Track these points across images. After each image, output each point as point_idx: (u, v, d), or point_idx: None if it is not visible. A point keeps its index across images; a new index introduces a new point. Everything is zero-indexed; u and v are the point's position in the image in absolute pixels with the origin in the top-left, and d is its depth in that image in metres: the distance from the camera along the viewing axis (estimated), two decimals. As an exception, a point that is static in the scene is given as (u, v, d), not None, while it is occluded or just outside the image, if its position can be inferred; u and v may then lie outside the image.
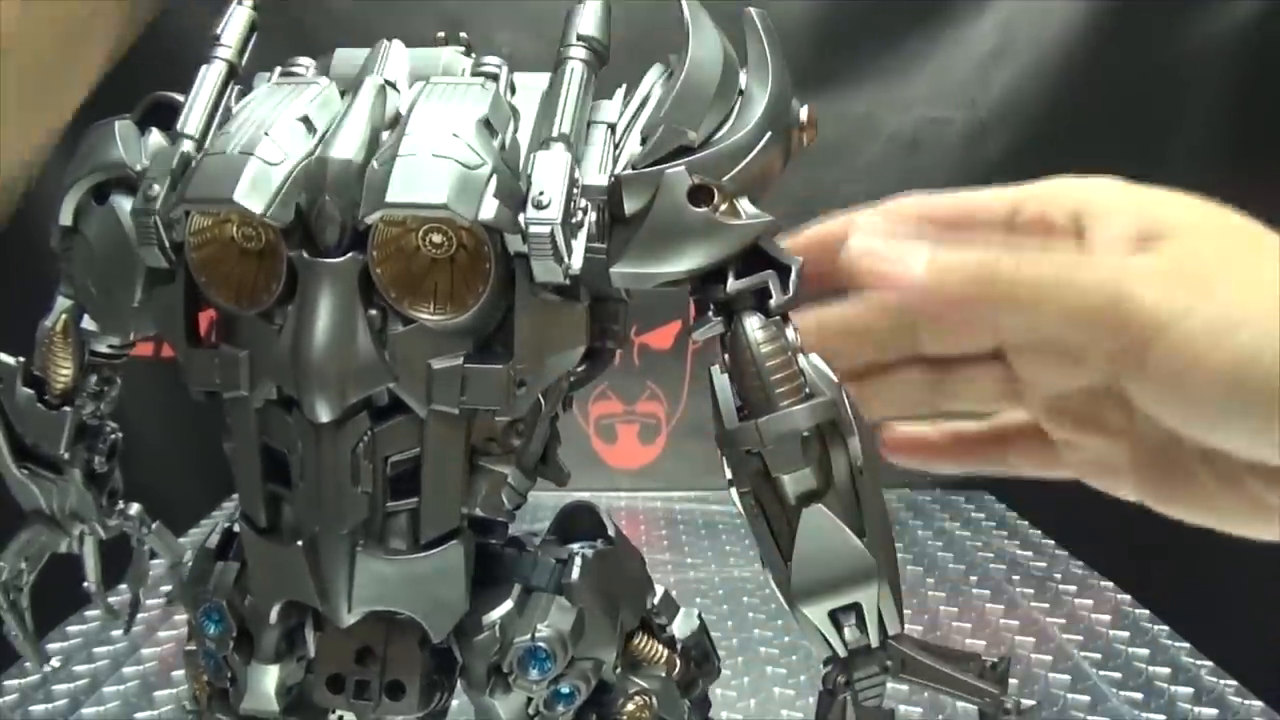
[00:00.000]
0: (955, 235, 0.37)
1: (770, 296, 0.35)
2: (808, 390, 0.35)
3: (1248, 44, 1.36)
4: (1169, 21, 1.37)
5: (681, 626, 0.45)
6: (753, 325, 0.36)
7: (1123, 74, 1.37)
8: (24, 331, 0.49)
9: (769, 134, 0.38)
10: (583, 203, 0.34)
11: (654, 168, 0.36)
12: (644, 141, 0.37)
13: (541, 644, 0.39)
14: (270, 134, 0.34)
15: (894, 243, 0.35)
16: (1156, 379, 0.31)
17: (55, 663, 0.45)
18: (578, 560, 0.41)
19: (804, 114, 0.40)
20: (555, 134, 0.34)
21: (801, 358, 0.36)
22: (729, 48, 0.39)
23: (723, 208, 0.36)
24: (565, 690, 0.40)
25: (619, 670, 0.42)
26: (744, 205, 0.36)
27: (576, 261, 0.33)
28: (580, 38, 0.37)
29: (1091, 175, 0.38)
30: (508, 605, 0.40)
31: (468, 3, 1.36)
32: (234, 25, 0.40)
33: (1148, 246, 0.32)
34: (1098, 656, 0.99)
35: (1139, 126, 1.38)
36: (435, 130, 0.33)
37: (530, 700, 0.41)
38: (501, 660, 0.39)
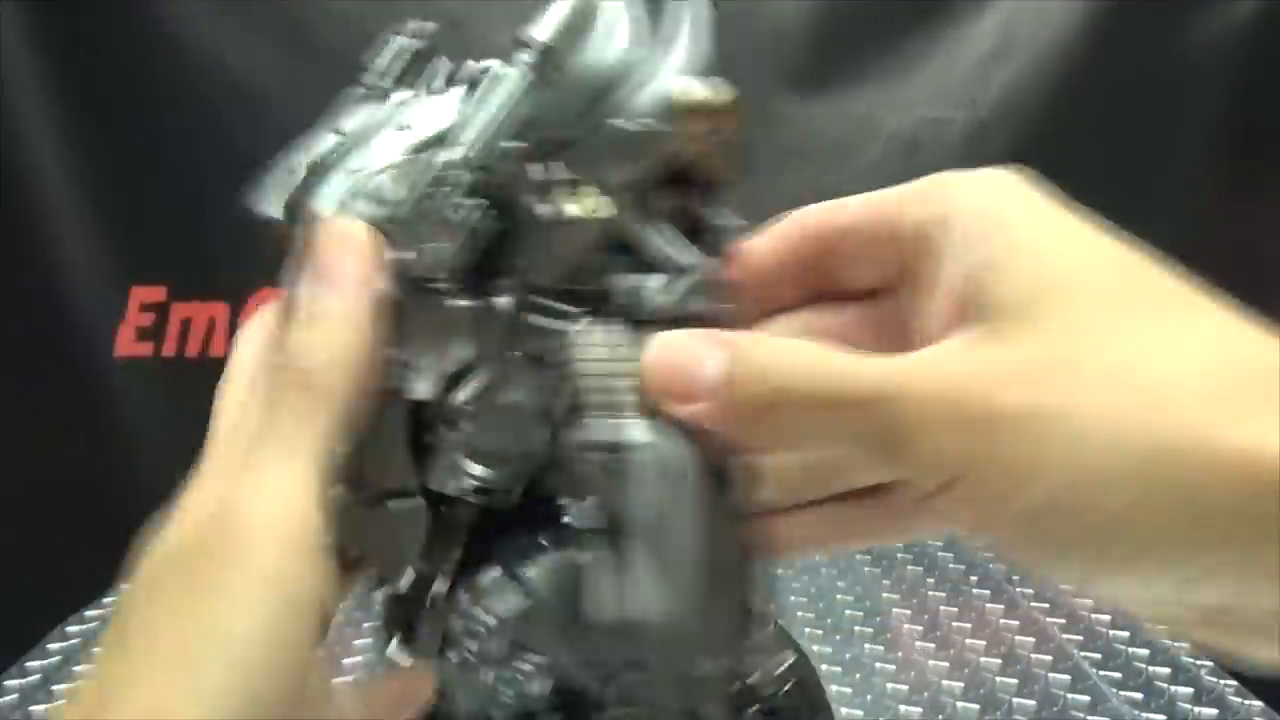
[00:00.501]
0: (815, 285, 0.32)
1: None
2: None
3: (1248, 44, 1.36)
4: (1169, 22, 1.37)
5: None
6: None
7: (1123, 74, 1.37)
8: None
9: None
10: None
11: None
12: None
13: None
14: (308, 143, 0.38)
15: (692, 345, 0.27)
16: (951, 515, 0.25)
17: None
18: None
19: (683, 96, 0.34)
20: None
21: None
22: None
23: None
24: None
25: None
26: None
27: None
28: (520, 41, 0.35)
29: (1056, 171, 0.31)
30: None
31: (468, 3, 1.35)
32: (389, 57, 0.42)
33: (978, 320, 0.24)
34: (1098, 656, 0.99)
35: (1139, 126, 1.38)
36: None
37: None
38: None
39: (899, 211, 0.29)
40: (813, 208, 0.32)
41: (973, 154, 1.43)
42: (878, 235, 0.29)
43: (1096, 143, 1.37)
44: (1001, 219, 0.26)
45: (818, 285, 0.32)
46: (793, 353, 0.26)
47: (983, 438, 0.22)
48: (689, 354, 0.27)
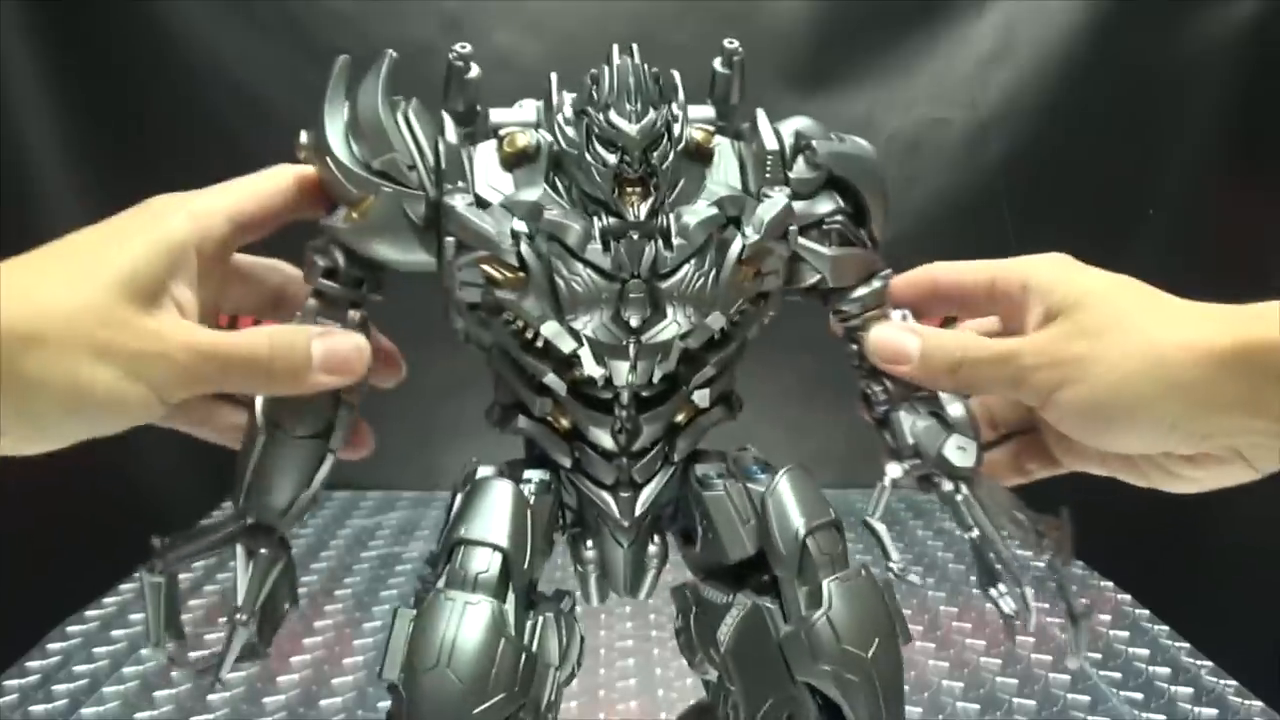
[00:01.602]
0: (944, 310, 0.55)
1: None
2: None
3: (1247, 45, 1.36)
4: (1169, 22, 1.37)
5: None
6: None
7: (1122, 75, 1.37)
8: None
9: None
10: None
11: None
12: None
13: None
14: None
15: (897, 333, 0.51)
16: (1050, 422, 0.49)
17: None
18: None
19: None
20: None
21: None
22: None
23: None
24: None
25: None
26: None
27: None
28: None
29: (1044, 251, 0.51)
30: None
31: (466, 3, 1.36)
32: None
33: (1048, 323, 0.47)
34: (1098, 656, 0.99)
35: (1139, 127, 1.38)
36: None
37: None
38: None
39: (998, 278, 0.52)
40: (939, 266, 0.54)
41: (973, 154, 1.43)
42: (979, 290, 0.53)
43: (1096, 143, 1.37)
44: (1061, 273, 0.49)
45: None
46: (956, 336, 0.51)
47: (1063, 369, 0.46)
48: (898, 338, 0.51)
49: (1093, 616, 0.55)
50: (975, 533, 0.51)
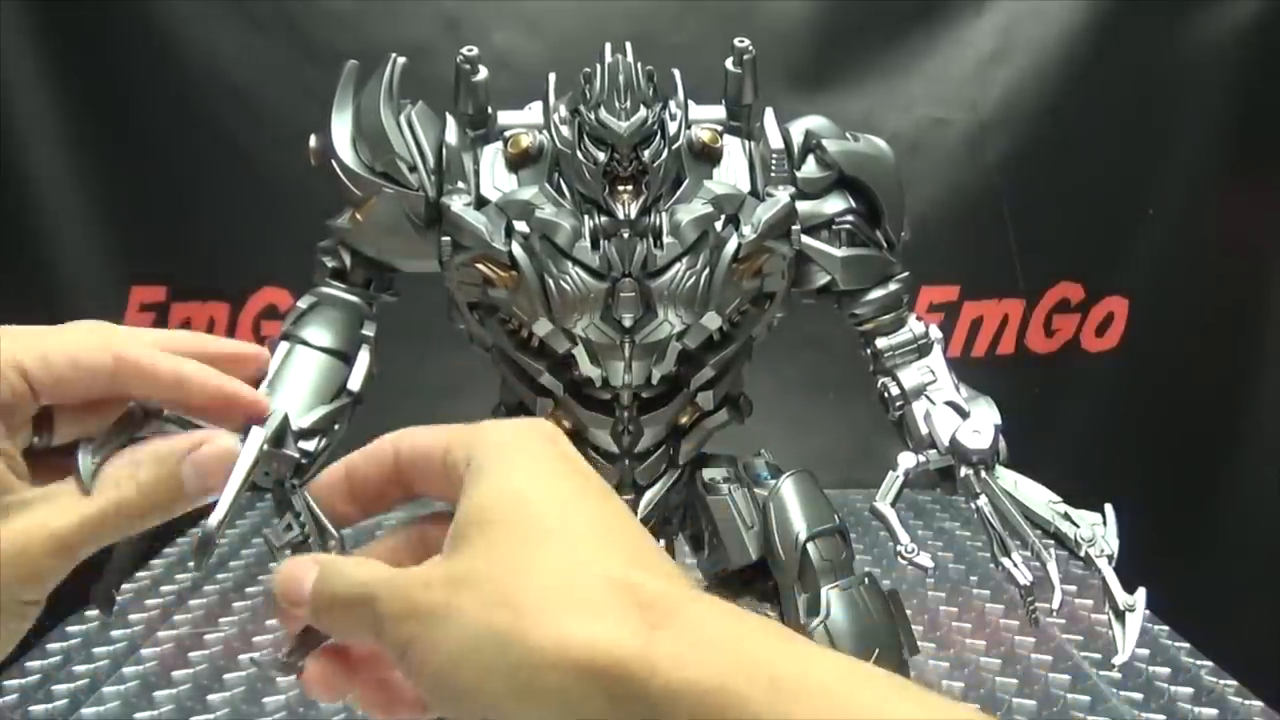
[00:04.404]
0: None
1: None
2: None
3: (1247, 46, 1.36)
4: (1169, 23, 1.37)
5: None
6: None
7: (1122, 76, 1.37)
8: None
9: None
10: None
11: None
12: None
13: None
14: None
15: (293, 562, 0.34)
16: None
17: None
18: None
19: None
20: None
21: None
22: None
23: None
24: None
25: None
26: None
27: None
28: None
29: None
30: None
31: (465, 3, 1.36)
32: None
33: (454, 543, 0.31)
34: (1098, 656, 0.99)
35: (1139, 127, 1.38)
36: None
37: None
38: None
39: (446, 448, 0.34)
40: (407, 431, 0.36)
41: (973, 155, 1.43)
42: (432, 465, 0.34)
43: (1096, 144, 1.37)
44: (486, 464, 0.31)
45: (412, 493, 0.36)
46: (342, 567, 0.33)
47: (417, 625, 0.29)
48: (293, 566, 0.33)
49: (1140, 611, 0.52)
50: (983, 499, 0.49)
